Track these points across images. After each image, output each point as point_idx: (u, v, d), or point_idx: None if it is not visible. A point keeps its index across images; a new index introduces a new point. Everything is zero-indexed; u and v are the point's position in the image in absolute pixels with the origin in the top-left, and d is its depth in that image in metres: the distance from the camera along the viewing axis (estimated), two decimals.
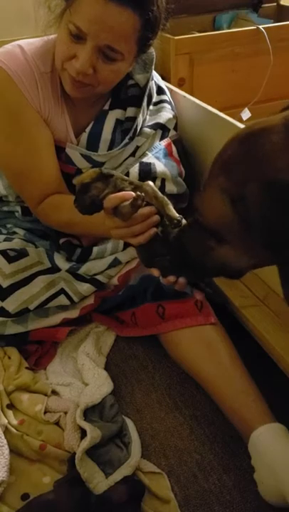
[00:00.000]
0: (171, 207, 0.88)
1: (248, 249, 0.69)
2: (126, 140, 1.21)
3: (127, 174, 1.20)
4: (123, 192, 0.85)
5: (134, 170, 1.21)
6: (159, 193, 0.88)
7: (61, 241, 1.25)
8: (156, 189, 0.88)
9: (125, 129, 1.22)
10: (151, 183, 0.89)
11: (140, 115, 1.22)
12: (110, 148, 1.22)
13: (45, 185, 1.16)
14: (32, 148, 1.14)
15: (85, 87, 1.09)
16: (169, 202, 0.88)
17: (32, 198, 1.20)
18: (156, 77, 1.32)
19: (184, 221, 0.84)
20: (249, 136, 0.65)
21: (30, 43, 1.13)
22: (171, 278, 0.90)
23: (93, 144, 1.21)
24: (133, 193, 0.84)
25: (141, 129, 1.25)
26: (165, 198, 0.88)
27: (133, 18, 0.99)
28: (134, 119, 1.22)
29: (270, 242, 0.63)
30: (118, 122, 1.22)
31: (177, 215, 0.86)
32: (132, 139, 1.22)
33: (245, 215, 0.63)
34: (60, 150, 1.20)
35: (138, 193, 0.83)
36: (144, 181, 1.15)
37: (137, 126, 1.22)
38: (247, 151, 0.64)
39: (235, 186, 0.63)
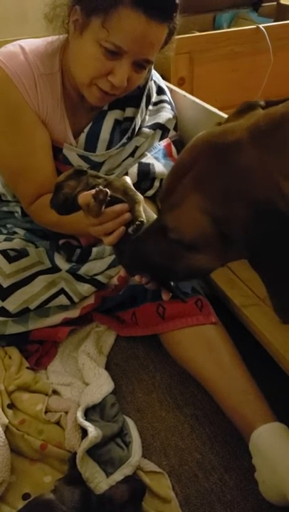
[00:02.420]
0: (139, 206, 0.85)
1: (223, 255, 0.69)
2: (124, 140, 1.21)
3: (126, 175, 1.20)
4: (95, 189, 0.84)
5: (133, 170, 1.21)
6: (132, 190, 0.86)
7: (60, 242, 1.25)
8: (129, 185, 0.86)
9: (124, 129, 1.22)
10: (127, 178, 0.87)
11: (138, 115, 1.22)
12: (108, 148, 1.22)
13: (39, 185, 1.16)
14: (28, 148, 1.14)
15: (112, 97, 1.11)
16: (140, 200, 0.85)
17: (26, 197, 1.20)
18: (156, 76, 1.32)
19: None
20: (219, 149, 0.62)
21: (31, 44, 1.13)
22: (138, 278, 0.87)
23: (91, 144, 1.21)
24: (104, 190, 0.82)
25: (140, 129, 1.25)
26: (138, 194, 0.86)
27: (166, 30, 1.03)
28: (132, 119, 1.22)
29: (255, 260, 0.62)
30: (117, 122, 1.22)
31: (143, 216, 0.83)
32: (130, 138, 1.22)
33: (229, 234, 0.62)
34: (58, 150, 1.20)
35: (101, 187, 0.81)
36: (142, 182, 1.14)
37: (135, 126, 1.22)
38: (222, 167, 0.61)
39: (217, 206, 0.62)
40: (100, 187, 0.81)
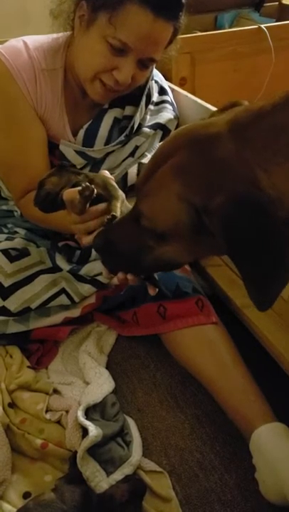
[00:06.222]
0: (117, 202, 0.84)
1: (192, 248, 0.69)
2: (121, 137, 1.21)
3: (126, 175, 1.20)
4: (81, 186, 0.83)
5: (133, 171, 1.21)
6: (111, 185, 0.85)
7: (60, 244, 1.26)
8: (109, 181, 0.86)
9: (122, 127, 1.22)
10: (106, 172, 0.87)
11: (138, 114, 1.22)
12: (106, 145, 1.22)
13: (30, 180, 1.15)
14: (22, 143, 1.15)
15: (115, 93, 1.12)
16: (119, 196, 0.85)
17: (17, 191, 1.21)
18: (159, 77, 1.32)
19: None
20: (199, 140, 0.63)
21: (35, 39, 1.14)
22: (120, 275, 0.87)
23: (89, 140, 1.21)
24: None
25: (141, 128, 1.25)
26: (118, 190, 0.85)
27: (172, 28, 1.04)
28: (131, 117, 1.22)
29: (233, 252, 0.61)
30: (116, 120, 1.22)
31: (118, 212, 0.82)
32: (128, 137, 1.23)
33: (208, 224, 0.61)
34: (55, 146, 1.21)
35: (88, 183, 0.81)
36: None
37: (133, 124, 1.22)
38: (201, 158, 0.62)
39: (197, 195, 0.61)
40: (87, 183, 0.81)
